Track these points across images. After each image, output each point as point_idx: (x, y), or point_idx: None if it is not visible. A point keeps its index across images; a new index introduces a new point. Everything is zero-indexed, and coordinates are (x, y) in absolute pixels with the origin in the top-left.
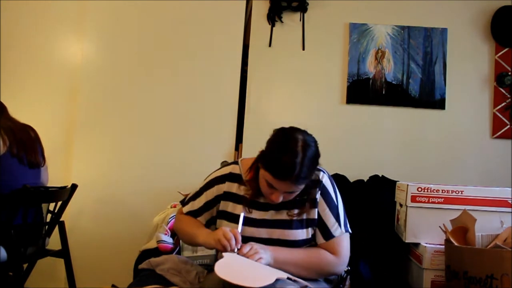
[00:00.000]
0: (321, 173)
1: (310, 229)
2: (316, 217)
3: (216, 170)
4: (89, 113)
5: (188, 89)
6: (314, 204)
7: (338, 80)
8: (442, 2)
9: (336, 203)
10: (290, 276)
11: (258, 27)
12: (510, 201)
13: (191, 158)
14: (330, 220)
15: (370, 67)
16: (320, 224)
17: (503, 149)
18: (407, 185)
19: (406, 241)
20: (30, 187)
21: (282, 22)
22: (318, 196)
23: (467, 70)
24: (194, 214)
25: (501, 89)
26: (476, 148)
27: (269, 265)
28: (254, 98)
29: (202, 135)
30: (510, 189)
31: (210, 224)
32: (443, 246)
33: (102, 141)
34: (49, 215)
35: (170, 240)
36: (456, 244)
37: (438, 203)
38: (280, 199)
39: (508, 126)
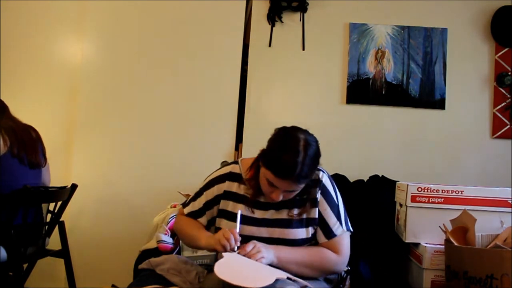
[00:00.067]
0: (321, 172)
1: (310, 228)
2: (316, 216)
3: (216, 170)
4: (89, 113)
5: (188, 89)
6: (315, 203)
7: (338, 80)
8: (442, 2)
9: (336, 202)
10: (290, 276)
11: (258, 27)
12: (510, 201)
13: (191, 158)
14: (331, 219)
15: (370, 67)
16: (321, 223)
17: (503, 149)
18: (407, 185)
19: (406, 241)
20: (30, 187)
21: (282, 22)
22: (318, 195)
23: (467, 70)
24: (195, 214)
25: (501, 89)
26: (476, 148)
27: (271, 264)
28: (254, 98)
29: (202, 135)
30: (510, 189)
31: (212, 224)
32: (443, 246)
33: (102, 141)
34: (49, 215)
35: (170, 240)
36: (456, 244)
37: (438, 203)
38: (280, 197)
39: (508, 126)
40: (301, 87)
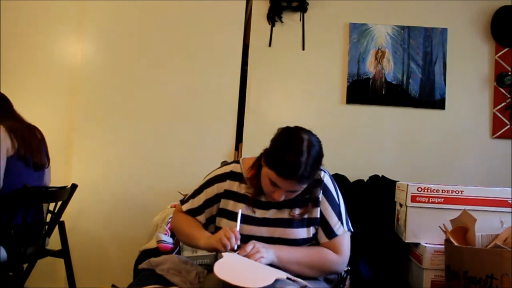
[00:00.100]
0: (322, 172)
1: (311, 228)
2: (318, 216)
3: (216, 168)
4: (89, 113)
5: (188, 89)
6: (316, 203)
7: (338, 80)
8: (442, 2)
9: (338, 201)
10: (290, 276)
11: (258, 27)
12: (510, 201)
13: (191, 158)
14: (332, 219)
15: (370, 67)
16: (322, 223)
17: (503, 149)
18: (407, 185)
19: (406, 241)
20: (30, 187)
21: (282, 22)
22: (320, 195)
23: (467, 70)
24: (194, 212)
25: (501, 89)
26: (476, 148)
27: (272, 263)
28: (254, 98)
29: (202, 135)
30: (510, 189)
31: (210, 222)
32: (443, 246)
33: (102, 141)
34: (49, 215)
35: (170, 240)
36: (456, 244)
37: (438, 203)
38: (282, 197)
39: (508, 126)
40: (301, 87)
